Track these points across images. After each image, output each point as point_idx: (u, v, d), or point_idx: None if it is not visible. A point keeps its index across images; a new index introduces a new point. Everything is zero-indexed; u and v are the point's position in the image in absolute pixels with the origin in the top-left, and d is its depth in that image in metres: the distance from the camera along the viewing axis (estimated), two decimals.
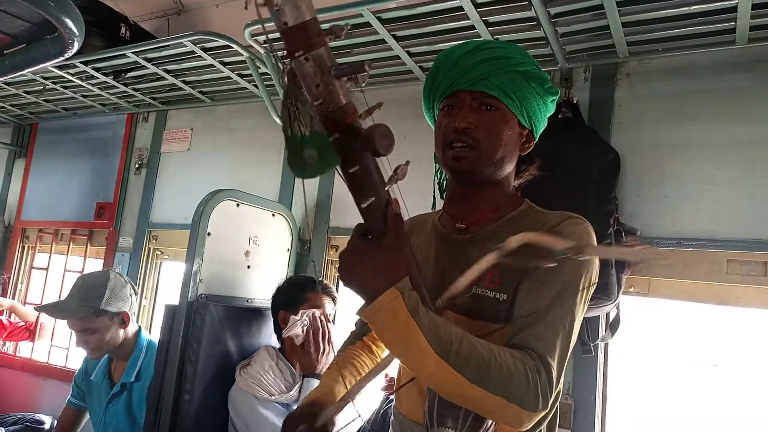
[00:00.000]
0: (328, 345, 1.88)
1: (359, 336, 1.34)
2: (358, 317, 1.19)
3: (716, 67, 1.77)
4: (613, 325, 1.76)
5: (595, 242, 1.02)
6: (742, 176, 1.69)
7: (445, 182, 1.24)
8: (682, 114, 1.80)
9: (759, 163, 1.67)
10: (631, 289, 1.80)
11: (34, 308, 2.28)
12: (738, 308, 1.72)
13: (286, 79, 0.77)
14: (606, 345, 1.82)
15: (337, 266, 1.54)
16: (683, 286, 1.76)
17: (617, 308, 1.74)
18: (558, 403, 1.04)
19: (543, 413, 0.88)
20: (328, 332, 1.89)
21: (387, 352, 1.01)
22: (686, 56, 1.80)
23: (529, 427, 0.90)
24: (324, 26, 0.75)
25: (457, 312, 1.02)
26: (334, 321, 2.00)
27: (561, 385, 0.99)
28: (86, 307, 2.03)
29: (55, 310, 2.09)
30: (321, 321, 1.88)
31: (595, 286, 1.00)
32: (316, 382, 1.80)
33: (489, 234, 1.07)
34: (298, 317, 1.87)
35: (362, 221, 0.88)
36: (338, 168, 0.82)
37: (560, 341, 0.91)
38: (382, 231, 0.86)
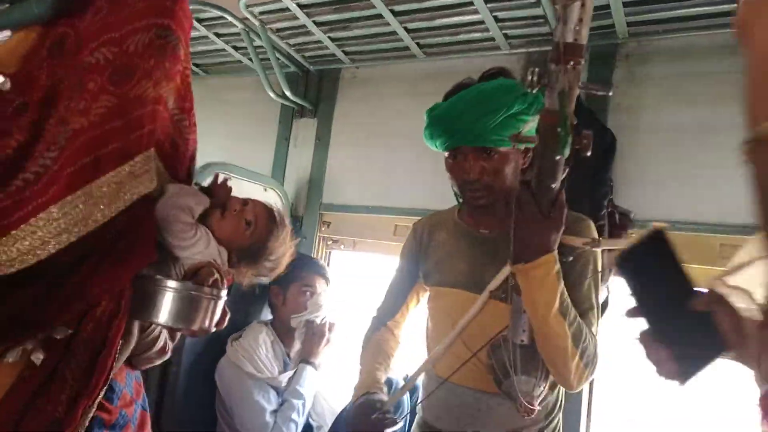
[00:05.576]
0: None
1: (383, 322, 1.48)
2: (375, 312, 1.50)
3: (717, 50, 1.74)
4: (602, 307, 1.75)
5: (596, 235, 1.24)
6: (738, 161, 1.68)
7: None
8: (681, 97, 1.78)
9: None
10: None
11: None
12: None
13: (533, 77, 0.95)
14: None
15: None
16: None
17: (607, 290, 1.73)
18: None
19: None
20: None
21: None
22: (686, 38, 1.78)
23: (574, 390, 1.17)
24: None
25: (498, 300, 1.21)
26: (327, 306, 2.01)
27: None
28: None
29: None
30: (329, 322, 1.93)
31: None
32: (311, 370, 1.82)
33: None
34: (317, 309, 1.89)
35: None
36: (547, 150, 0.99)
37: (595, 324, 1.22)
38: (548, 208, 1.06)
